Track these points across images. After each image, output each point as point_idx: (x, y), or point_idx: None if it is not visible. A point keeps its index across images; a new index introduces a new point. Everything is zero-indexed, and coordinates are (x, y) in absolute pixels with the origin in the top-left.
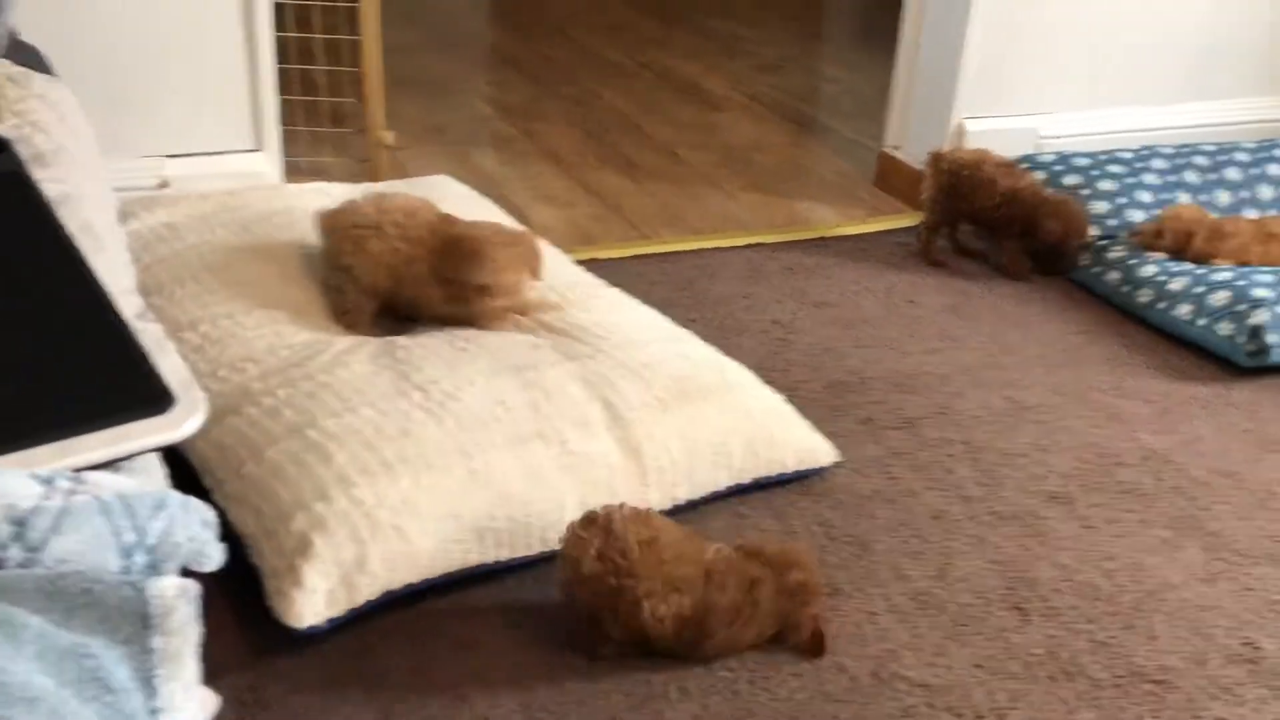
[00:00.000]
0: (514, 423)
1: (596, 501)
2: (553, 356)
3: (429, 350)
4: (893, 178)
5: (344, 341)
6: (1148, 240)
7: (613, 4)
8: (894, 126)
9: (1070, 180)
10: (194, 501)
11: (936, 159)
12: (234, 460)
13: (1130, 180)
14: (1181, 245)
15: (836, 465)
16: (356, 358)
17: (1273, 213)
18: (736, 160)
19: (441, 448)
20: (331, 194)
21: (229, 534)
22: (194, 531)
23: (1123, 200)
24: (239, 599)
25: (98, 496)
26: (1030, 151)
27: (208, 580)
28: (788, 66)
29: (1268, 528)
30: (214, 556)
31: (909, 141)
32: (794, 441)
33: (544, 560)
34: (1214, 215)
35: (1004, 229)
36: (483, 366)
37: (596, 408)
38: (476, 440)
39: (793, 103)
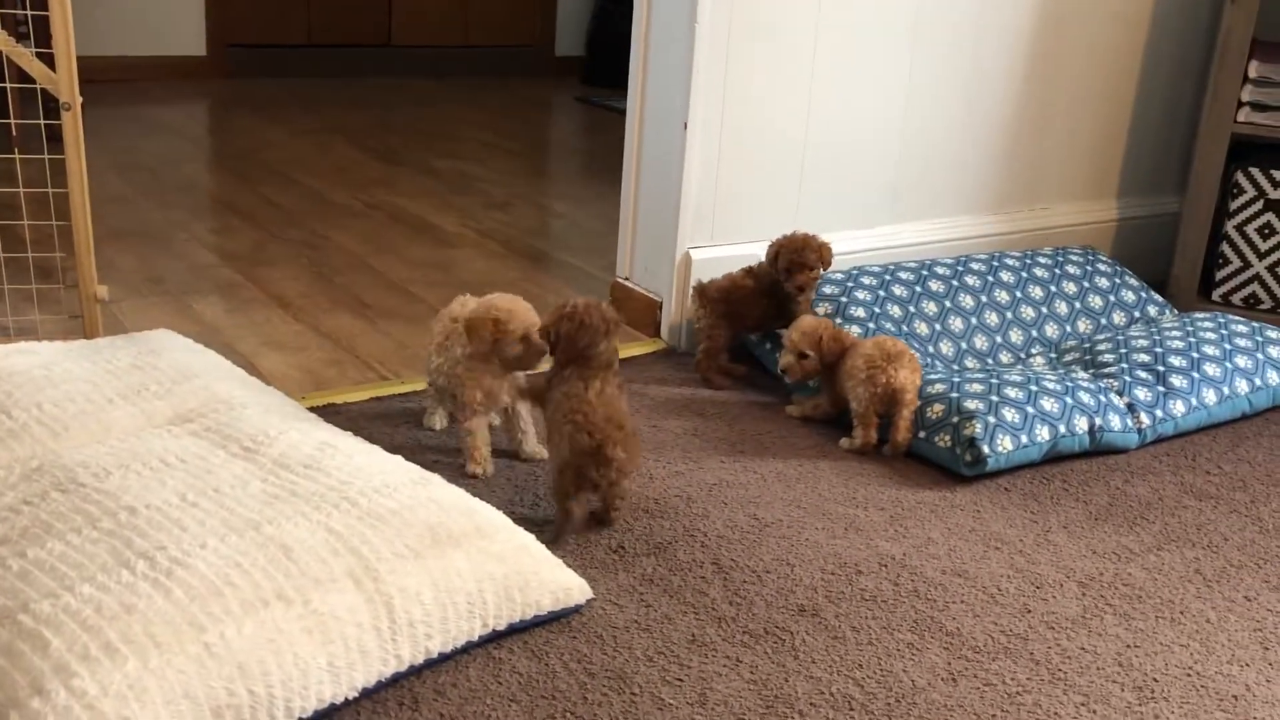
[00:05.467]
0: (251, 586)
1: (345, 663)
2: (292, 509)
3: (154, 510)
4: (627, 306)
5: (57, 503)
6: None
7: (336, 147)
8: (624, 258)
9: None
10: None
11: (702, 290)
12: None
13: (843, 300)
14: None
15: (591, 601)
16: (70, 525)
17: (957, 321)
18: (473, 295)
19: (171, 622)
20: (39, 354)
21: None
22: None
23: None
24: None
25: None
26: None
27: None
28: (516, 203)
29: (1000, 622)
30: None
31: (638, 271)
32: (548, 581)
33: None
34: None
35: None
36: (215, 525)
37: (343, 561)
38: (209, 610)
39: (524, 238)
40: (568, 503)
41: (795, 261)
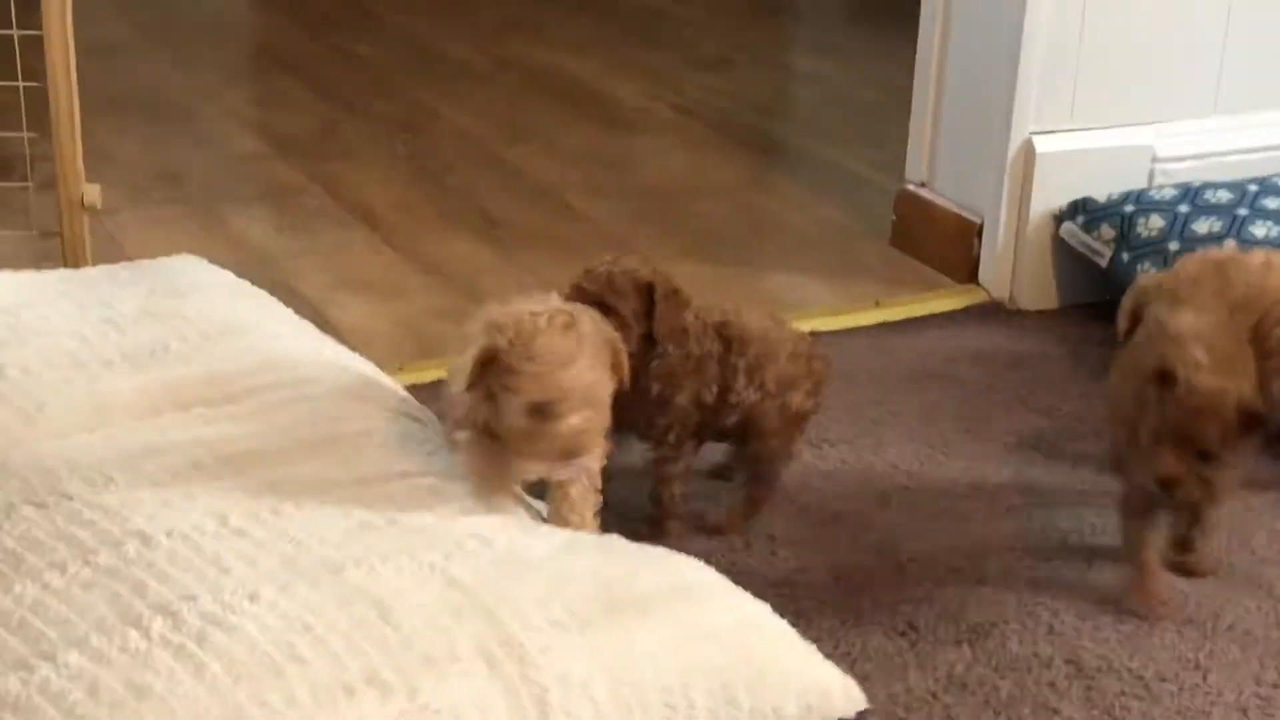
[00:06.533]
0: (329, 663)
1: None
2: (394, 545)
3: (180, 540)
4: (920, 232)
5: (30, 523)
6: None
7: None
8: (919, 151)
9: (1203, 228)
10: None
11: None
12: None
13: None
14: None
15: (864, 714)
16: (50, 559)
17: None
18: (665, 210)
19: (204, 715)
20: None
21: None
22: None
23: None
24: None
25: None
26: (1140, 186)
27: None
28: (739, 60)
29: None
30: None
31: (943, 174)
32: (795, 678)
33: None
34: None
35: None
36: (273, 566)
37: (471, 629)
38: (264, 698)
39: (750, 117)
40: None
41: None
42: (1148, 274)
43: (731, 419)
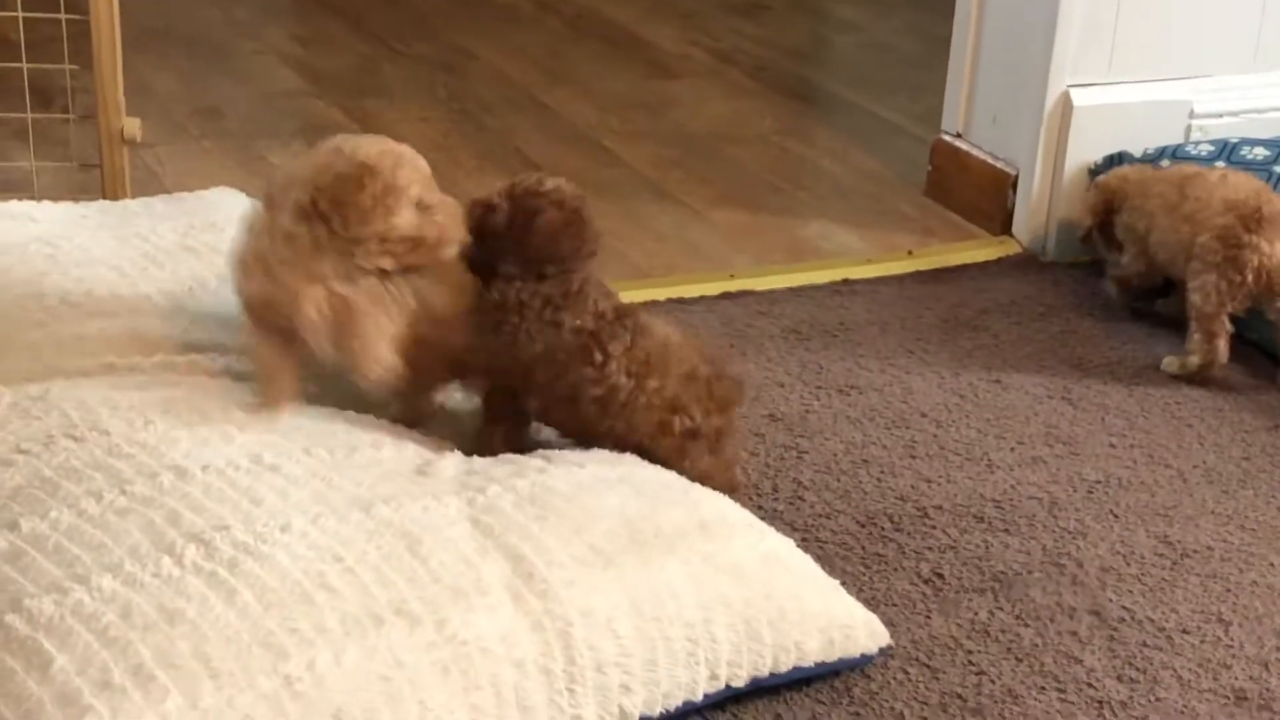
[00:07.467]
0: (358, 593)
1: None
2: (422, 486)
3: (214, 474)
4: (955, 182)
5: (68, 453)
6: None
7: None
8: (957, 101)
9: None
10: None
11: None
12: None
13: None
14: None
15: (887, 653)
16: (86, 487)
17: None
18: (701, 157)
19: (234, 640)
20: (38, 221)
21: None
22: None
23: None
24: None
25: None
26: (1177, 141)
27: None
28: (775, 5)
29: None
30: None
31: (979, 124)
32: (818, 614)
33: None
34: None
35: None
36: (304, 497)
37: (496, 565)
38: (294, 625)
39: (787, 63)
40: None
41: None
42: (1114, 172)
43: (597, 390)
